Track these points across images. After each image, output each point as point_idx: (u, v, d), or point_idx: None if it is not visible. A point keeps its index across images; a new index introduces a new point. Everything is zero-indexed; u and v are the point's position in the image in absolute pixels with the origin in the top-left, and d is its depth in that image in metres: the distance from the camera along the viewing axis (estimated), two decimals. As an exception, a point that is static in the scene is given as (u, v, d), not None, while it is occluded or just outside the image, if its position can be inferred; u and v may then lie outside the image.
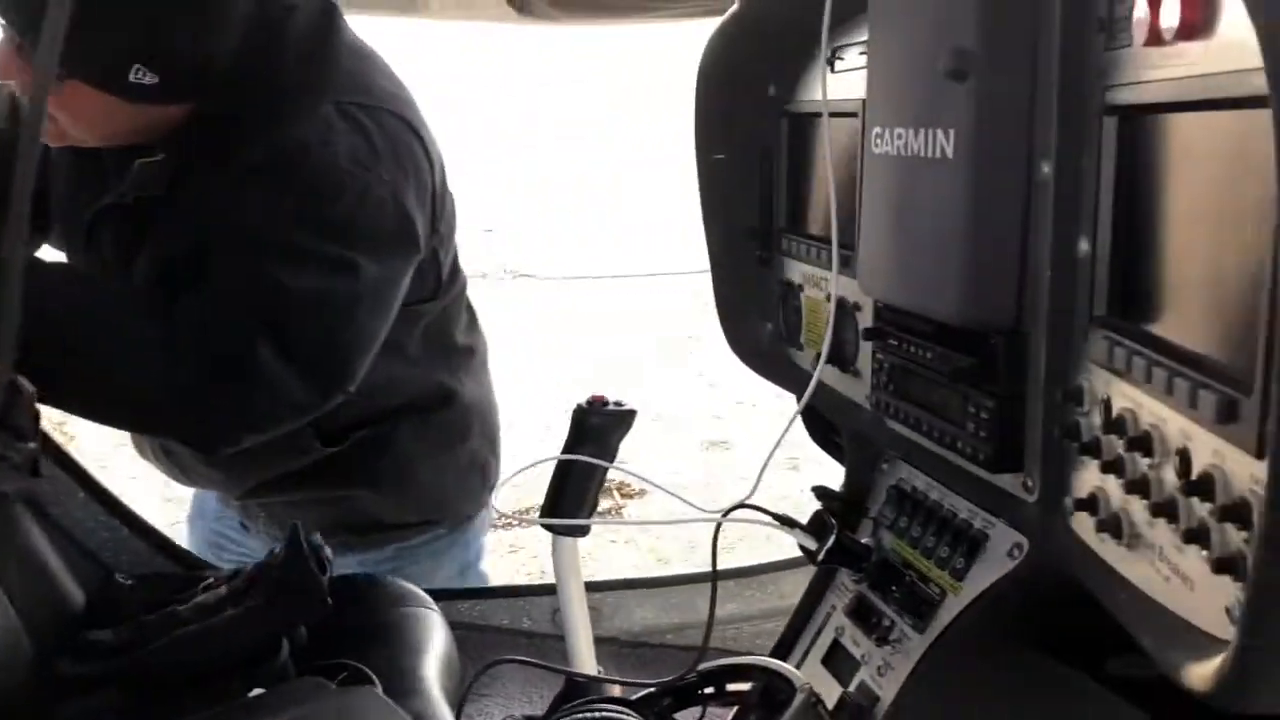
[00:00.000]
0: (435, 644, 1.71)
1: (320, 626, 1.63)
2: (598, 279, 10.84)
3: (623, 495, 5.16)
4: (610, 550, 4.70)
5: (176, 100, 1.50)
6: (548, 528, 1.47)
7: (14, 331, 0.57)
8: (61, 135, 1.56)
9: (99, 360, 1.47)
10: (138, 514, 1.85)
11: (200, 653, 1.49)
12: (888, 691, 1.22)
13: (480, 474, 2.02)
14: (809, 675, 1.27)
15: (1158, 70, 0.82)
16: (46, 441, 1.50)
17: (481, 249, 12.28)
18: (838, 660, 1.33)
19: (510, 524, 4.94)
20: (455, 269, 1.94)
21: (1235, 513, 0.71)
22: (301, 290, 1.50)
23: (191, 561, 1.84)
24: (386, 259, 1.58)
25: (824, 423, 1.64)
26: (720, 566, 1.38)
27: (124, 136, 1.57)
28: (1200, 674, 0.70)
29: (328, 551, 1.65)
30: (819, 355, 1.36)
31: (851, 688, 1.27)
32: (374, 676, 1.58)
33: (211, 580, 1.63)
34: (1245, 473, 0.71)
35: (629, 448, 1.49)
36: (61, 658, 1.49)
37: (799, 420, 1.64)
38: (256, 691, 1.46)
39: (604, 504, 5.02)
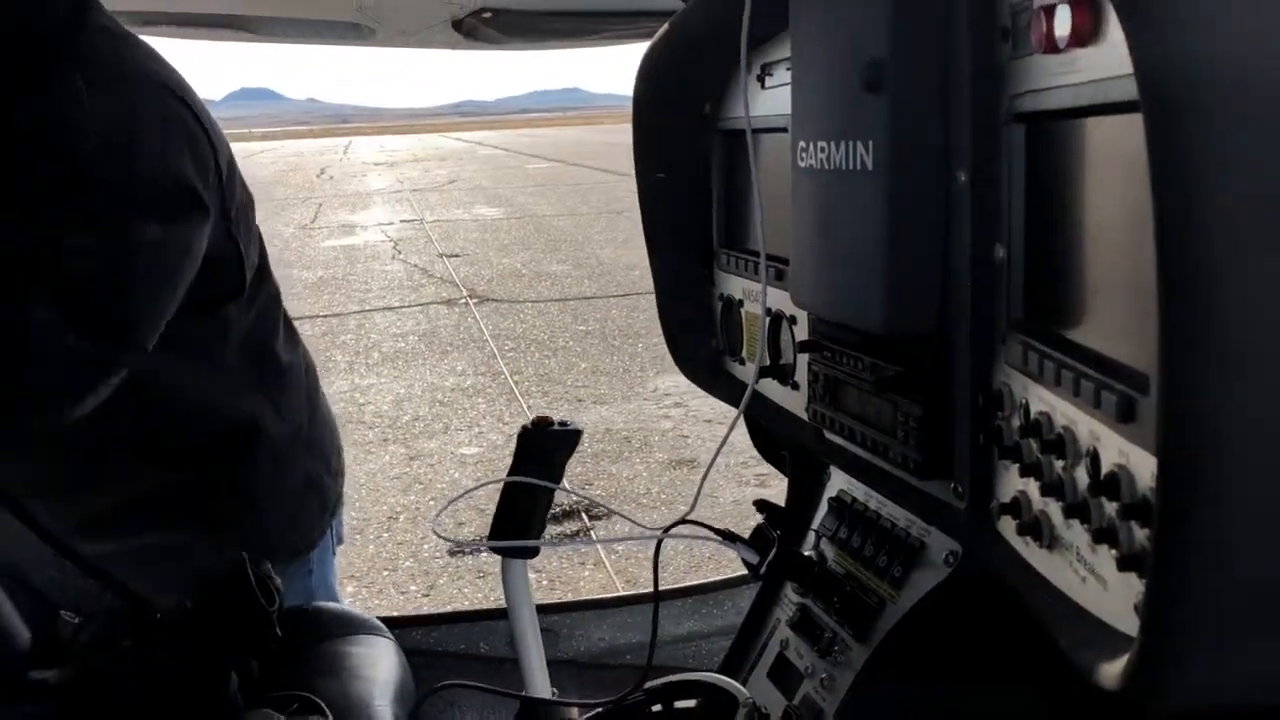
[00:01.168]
0: (387, 671, 1.70)
1: (272, 658, 1.61)
2: (563, 301, 10.86)
3: (590, 517, 5.15)
4: (579, 572, 4.69)
5: None
6: (495, 550, 1.46)
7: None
8: None
9: None
10: (83, 553, 1.82)
11: (150, 689, 1.47)
12: (830, 703, 1.22)
13: (319, 496, 1.99)
14: (755, 690, 1.28)
15: (1056, 77, 0.84)
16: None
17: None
18: (783, 674, 1.34)
19: (479, 550, 4.93)
20: (264, 272, 1.92)
21: (1138, 511, 0.72)
22: (74, 248, 1.49)
23: (139, 598, 1.81)
24: (165, 219, 1.56)
25: (769, 436, 1.64)
26: (680, 584, 1.38)
27: None
28: (1111, 672, 0.71)
29: (277, 581, 1.64)
30: (756, 368, 1.37)
31: (796, 701, 1.27)
32: (325, 707, 1.57)
33: (159, 615, 1.61)
34: (1146, 471, 0.71)
35: (594, 469, 1.49)
36: (7, 698, 1.47)
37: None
38: (204, 726, 1.45)
39: (571, 526, 5.01)
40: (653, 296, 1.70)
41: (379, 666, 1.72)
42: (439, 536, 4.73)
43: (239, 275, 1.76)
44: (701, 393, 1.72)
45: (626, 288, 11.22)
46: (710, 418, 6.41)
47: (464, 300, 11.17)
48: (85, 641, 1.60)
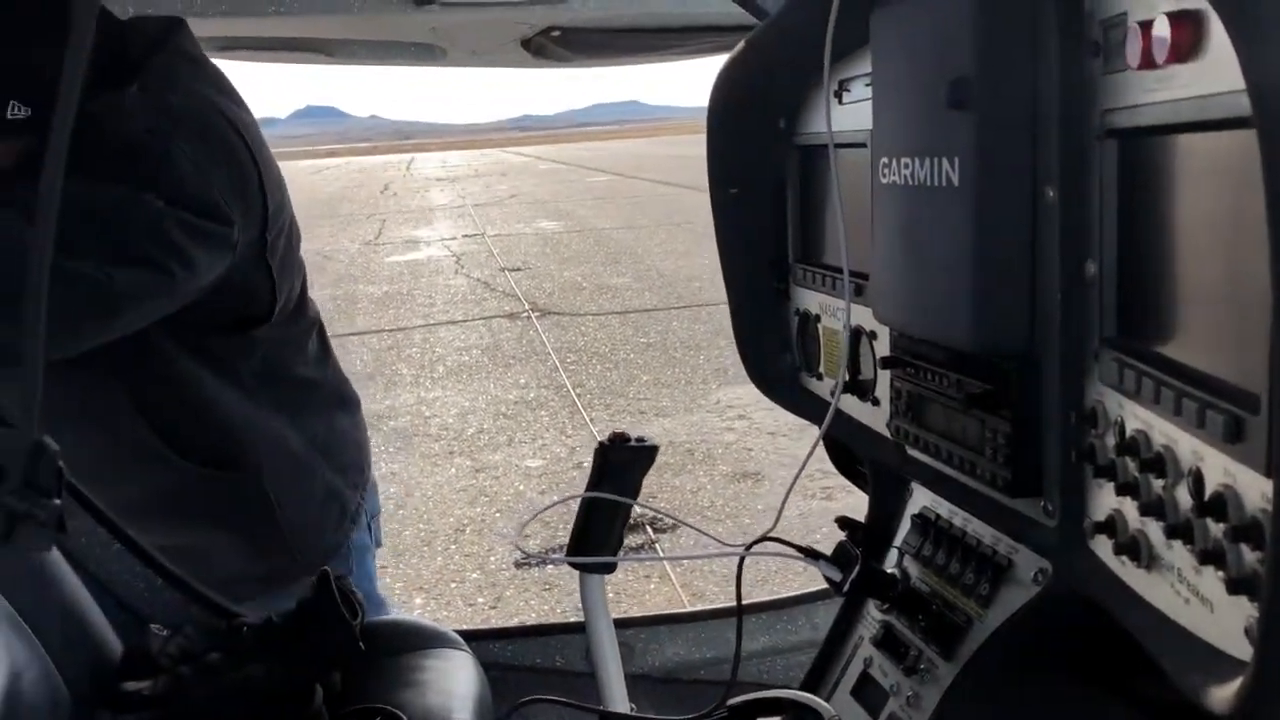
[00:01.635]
0: (466, 685, 1.71)
1: (353, 671, 1.64)
2: (624, 314, 10.89)
3: (655, 530, 5.15)
4: (645, 585, 4.69)
5: (44, 128, 1.53)
6: (574, 565, 1.47)
7: (38, 396, 0.59)
8: None
9: None
10: (171, 566, 1.87)
11: (237, 701, 1.50)
12: (917, 721, 1.21)
13: (339, 506, 2.03)
14: (839, 707, 1.27)
15: (1153, 93, 0.83)
16: (80, 497, 1.53)
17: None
18: (867, 692, 1.33)
19: (544, 562, 4.96)
20: (303, 303, 1.96)
21: (1248, 533, 0.71)
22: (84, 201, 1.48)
23: (226, 611, 1.85)
24: (177, 210, 1.57)
25: (847, 452, 1.64)
26: (760, 598, 1.38)
27: (3, 169, 1.58)
28: (1221, 696, 0.70)
29: (359, 595, 1.67)
30: (837, 385, 1.36)
31: (881, 719, 1.27)
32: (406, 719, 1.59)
33: (245, 629, 1.64)
34: (1256, 492, 0.70)
35: (658, 482, 1.50)
36: (100, 709, 1.51)
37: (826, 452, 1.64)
38: (291, 738, 1.48)
39: (636, 540, 5.01)
40: (714, 308, 1.72)
41: (457, 680, 1.74)
42: (522, 552, 4.76)
43: (269, 303, 1.82)
44: (765, 405, 1.72)
45: (687, 300, 11.22)
46: (774, 430, 6.39)
47: (526, 314, 11.25)
48: (174, 654, 1.64)
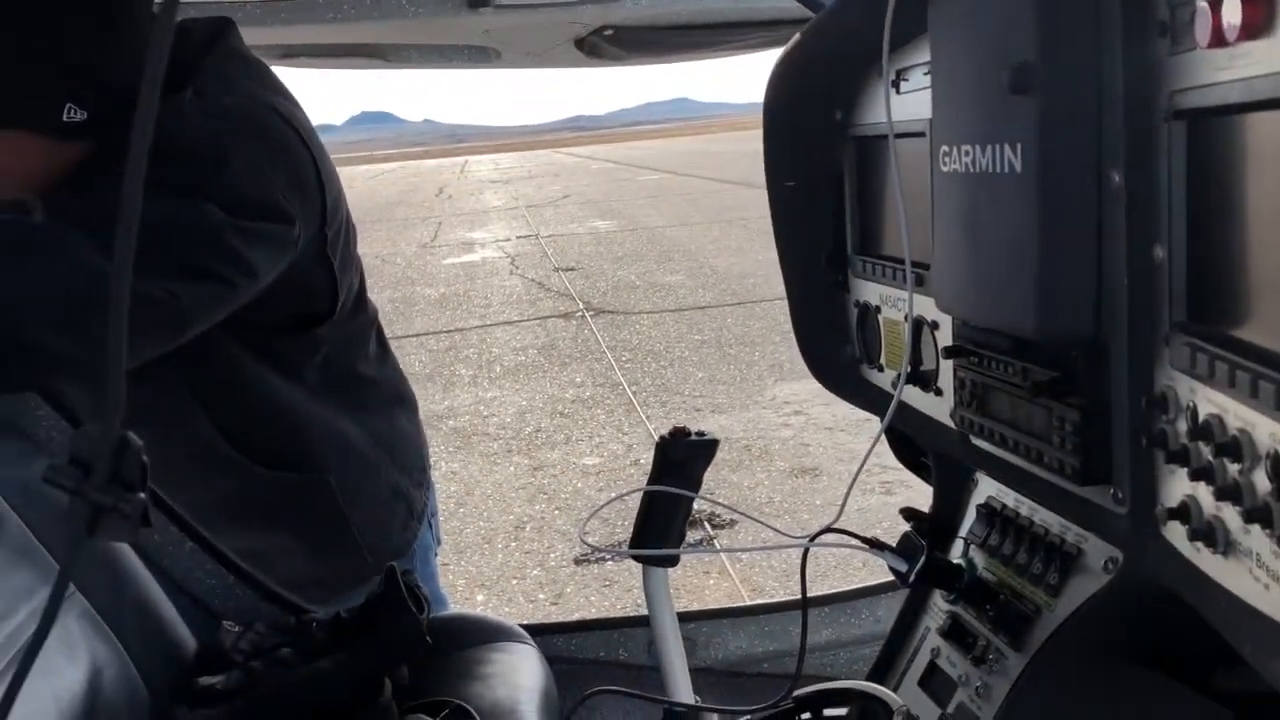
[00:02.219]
0: (532, 677, 1.73)
1: (420, 664, 1.66)
2: (678, 311, 10.89)
3: (713, 526, 5.15)
4: (704, 581, 4.69)
5: (104, 130, 1.53)
6: (637, 558, 1.48)
7: (122, 389, 0.61)
8: None
9: None
10: (239, 560, 1.91)
11: (308, 696, 1.53)
12: (986, 712, 1.20)
13: (405, 505, 2.03)
14: (906, 698, 1.26)
15: (1224, 71, 0.82)
16: (152, 494, 1.57)
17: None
18: (935, 682, 1.32)
19: (602, 558, 4.98)
20: (361, 299, 1.95)
21: (1329, 515, 0.70)
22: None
23: (294, 606, 1.89)
24: (239, 216, 1.54)
25: (909, 443, 1.63)
26: (815, 593, 1.37)
27: (57, 177, 1.59)
28: (1304, 681, 0.69)
29: (425, 590, 1.69)
30: (899, 376, 1.36)
31: (950, 709, 1.26)
32: (474, 712, 1.61)
33: (315, 624, 1.67)
34: (1337, 474, 0.69)
35: (715, 478, 1.50)
36: (177, 704, 1.55)
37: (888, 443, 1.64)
38: (363, 731, 1.50)
39: (694, 535, 5.02)
40: (769, 304, 1.72)
41: (523, 673, 1.75)
42: (586, 544, 4.78)
43: (331, 299, 1.81)
44: (822, 401, 1.73)
45: (741, 296, 11.20)
46: (831, 425, 6.36)
47: (580, 313, 11.29)
48: (246, 649, 1.67)
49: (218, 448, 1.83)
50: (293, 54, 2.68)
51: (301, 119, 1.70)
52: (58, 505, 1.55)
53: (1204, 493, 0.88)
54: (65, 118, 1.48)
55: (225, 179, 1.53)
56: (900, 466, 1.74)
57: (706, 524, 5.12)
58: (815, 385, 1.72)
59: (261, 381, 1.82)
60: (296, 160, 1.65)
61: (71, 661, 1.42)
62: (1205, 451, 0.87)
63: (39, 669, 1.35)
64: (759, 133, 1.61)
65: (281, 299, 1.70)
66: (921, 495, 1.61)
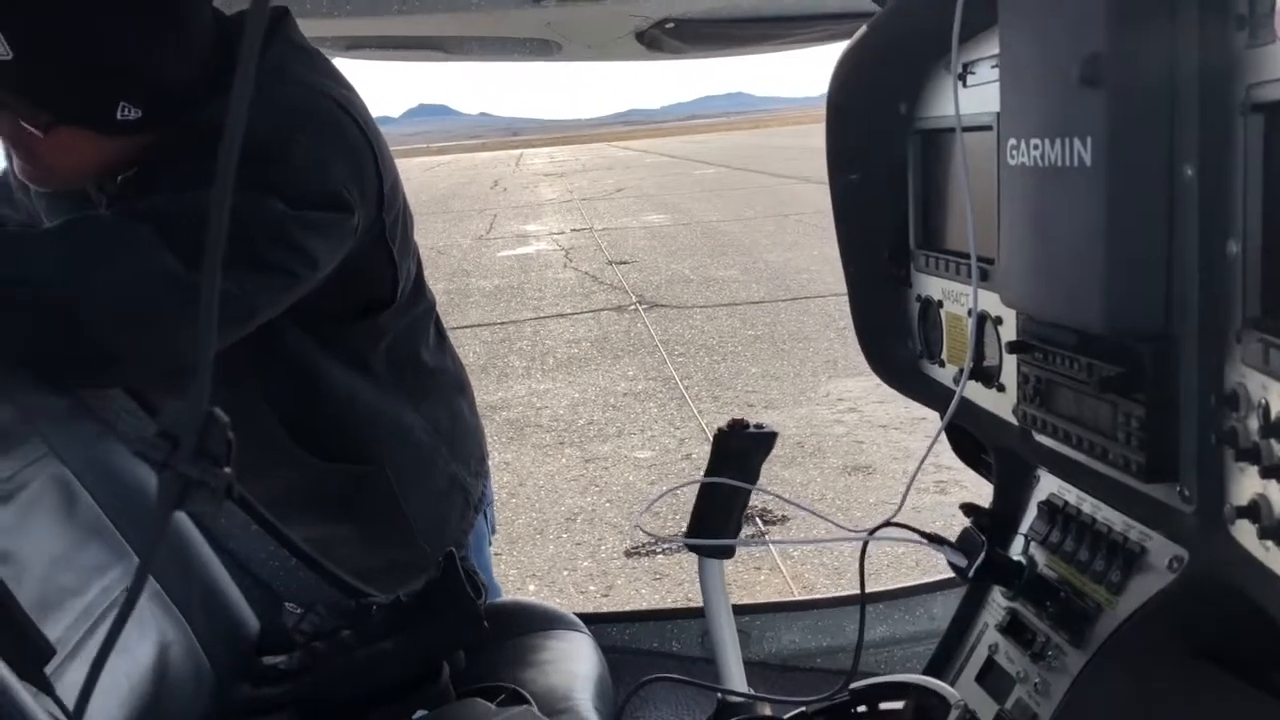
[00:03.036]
0: (587, 665, 1.75)
1: (477, 649, 1.68)
2: (732, 306, 10.87)
3: (765, 522, 5.15)
4: (755, 577, 4.69)
5: (159, 127, 1.55)
6: (693, 549, 1.49)
7: (209, 367, 0.63)
8: (49, 178, 1.64)
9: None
10: (303, 545, 1.94)
11: (369, 677, 1.56)
12: (1045, 709, 1.20)
13: (463, 495, 2.03)
14: (964, 693, 1.26)
15: (1304, 65, 0.81)
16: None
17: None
18: (993, 678, 1.32)
19: (653, 551, 4.99)
20: (420, 286, 1.95)
21: (1406, 514, 0.69)
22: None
23: (355, 590, 1.92)
24: (299, 207, 1.54)
25: (970, 440, 1.62)
26: (870, 589, 1.37)
27: (111, 170, 1.62)
28: (1377, 681, 0.68)
29: (482, 576, 1.72)
30: (961, 371, 1.35)
31: (1008, 705, 1.25)
32: (529, 697, 1.63)
33: (375, 607, 1.70)
34: None
35: (767, 475, 1.50)
36: (241, 682, 1.58)
37: (945, 442, 1.62)
38: (421, 713, 1.52)
39: (746, 530, 5.01)
40: (823, 300, 1.71)
41: (578, 660, 1.77)
42: (644, 532, 4.80)
43: (392, 286, 1.82)
44: (876, 398, 1.72)
45: (795, 292, 11.15)
46: (885, 423, 6.31)
47: (633, 306, 11.31)
48: (307, 631, 1.70)
49: (280, 441, 1.85)
50: (357, 45, 2.72)
51: (359, 106, 1.71)
52: (128, 485, 1.59)
53: (1275, 491, 0.87)
54: (119, 116, 1.50)
55: (287, 171, 1.53)
56: (955, 466, 1.73)
57: (758, 519, 5.12)
58: (870, 382, 1.72)
59: (327, 375, 1.84)
60: (355, 149, 1.65)
61: (142, 639, 1.46)
62: (1277, 449, 0.86)
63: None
64: (816, 127, 1.60)
65: (344, 286, 1.71)
66: (976, 496, 1.60)
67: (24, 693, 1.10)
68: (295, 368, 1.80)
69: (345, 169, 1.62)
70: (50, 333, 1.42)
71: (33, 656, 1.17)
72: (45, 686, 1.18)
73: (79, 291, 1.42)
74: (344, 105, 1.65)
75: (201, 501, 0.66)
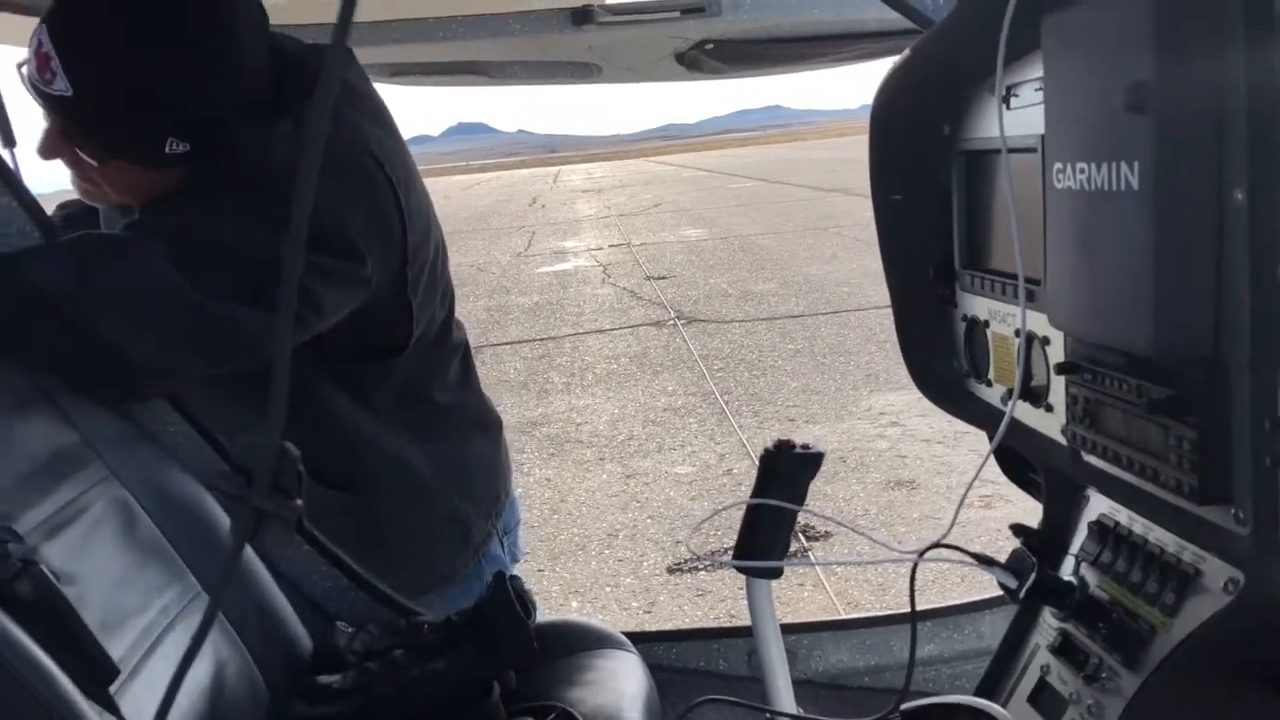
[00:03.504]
0: (635, 684, 1.76)
1: (526, 668, 1.70)
2: (771, 320, 10.85)
3: (808, 538, 5.13)
4: (799, 594, 4.67)
5: (207, 157, 1.58)
6: (741, 570, 1.49)
7: (283, 403, 0.65)
8: (106, 200, 1.69)
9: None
10: (354, 565, 1.97)
11: (421, 696, 1.58)
12: (1099, 731, 1.19)
13: (463, 533, 2.00)
14: (1015, 715, 1.26)
15: (1354, 90, 0.81)
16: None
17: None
18: (1046, 699, 1.31)
19: (695, 568, 5.00)
20: (446, 328, 1.94)
21: None
22: (209, 233, 1.50)
23: (406, 610, 1.95)
24: (308, 250, 1.55)
25: (1017, 459, 1.62)
26: (927, 607, 1.37)
27: (161, 193, 1.64)
28: None
29: (531, 596, 1.73)
30: (1009, 391, 1.35)
31: (1061, 728, 1.25)
32: (579, 717, 1.64)
33: (426, 627, 1.73)
34: None
35: (809, 490, 1.50)
36: (294, 700, 1.61)
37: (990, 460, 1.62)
38: (473, 732, 1.55)
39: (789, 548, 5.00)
40: (864, 313, 1.71)
41: (627, 679, 1.78)
42: (691, 552, 4.80)
43: (407, 334, 1.81)
44: (919, 412, 1.72)
45: (835, 305, 11.12)
46: (928, 437, 6.28)
47: (672, 321, 11.33)
48: (359, 650, 1.73)
49: None
50: (402, 72, 2.77)
51: (396, 158, 1.70)
52: (186, 508, 1.63)
53: (1331, 514, 0.87)
54: (168, 150, 1.54)
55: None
56: (1000, 480, 1.73)
57: (802, 535, 5.11)
58: (912, 396, 1.72)
59: (327, 403, 1.83)
60: (379, 201, 1.65)
61: (199, 659, 1.49)
62: (1332, 473, 0.86)
63: (172, 662, 1.42)
64: (853, 140, 1.62)
65: (355, 330, 1.71)
66: (1022, 510, 1.60)
67: (90, 712, 1.13)
68: (296, 391, 1.78)
69: (365, 219, 1.62)
70: (60, 333, 1.46)
71: (98, 676, 1.20)
72: (110, 706, 1.21)
73: (83, 292, 1.46)
74: (379, 158, 1.65)
75: (273, 532, 0.68)
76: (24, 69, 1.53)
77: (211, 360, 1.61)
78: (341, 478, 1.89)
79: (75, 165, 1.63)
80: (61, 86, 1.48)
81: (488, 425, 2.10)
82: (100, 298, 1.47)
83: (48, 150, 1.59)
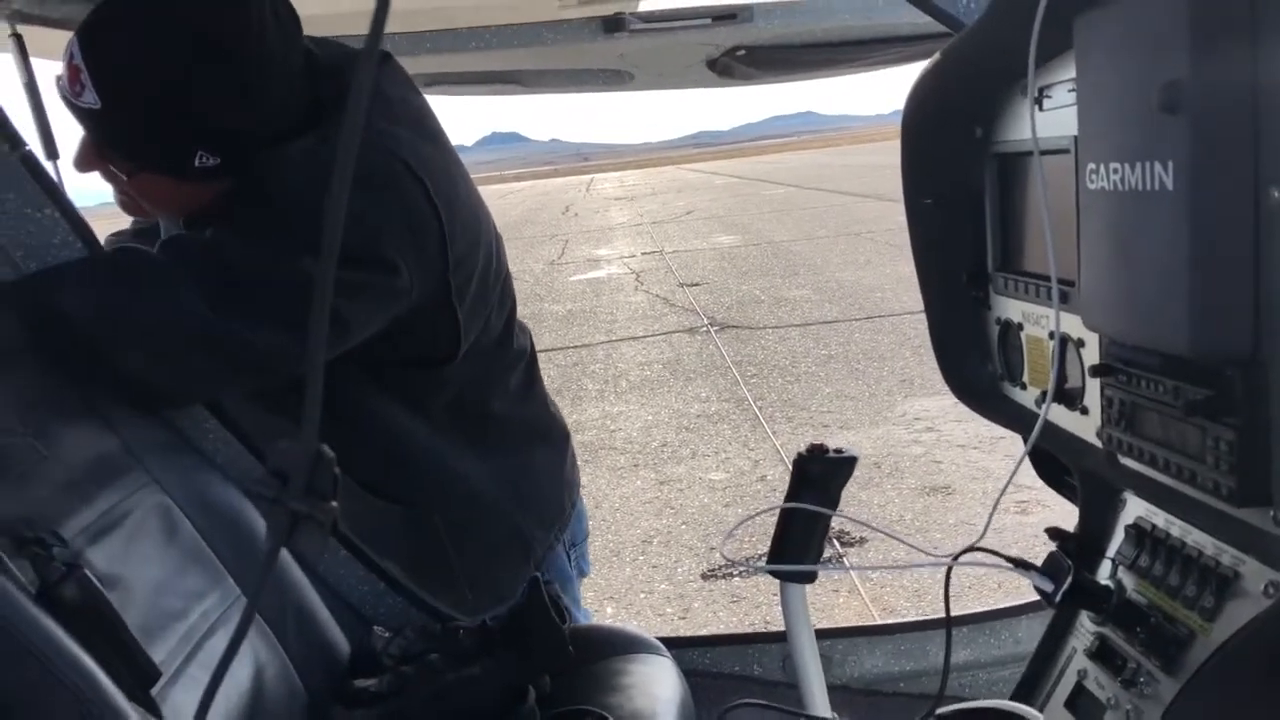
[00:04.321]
0: (670, 689, 1.76)
1: (561, 673, 1.71)
2: (804, 326, 10.82)
3: (842, 544, 5.11)
4: (833, 600, 4.65)
5: (237, 170, 1.59)
6: (775, 574, 1.49)
7: (318, 407, 0.66)
8: (141, 212, 1.71)
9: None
10: (390, 570, 1.99)
11: (458, 700, 1.59)
12: (1138, 736, 1.18)
13: (523, 547, 1.98)
14: (1052, 719, 1.25)
15: (1390, 87, 0.80)
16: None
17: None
18: (1083, 704, 1.30)
19: (730, 574, 4.98)
20: (506, 337, 1.92)
21: None
22: (241, 263, 1.51)
23: (442, 615, 1.96)
24: (349, 272, 1.51)
25: (1053, 462, 1.61)
26: (962, 612, 1.37)
27: (195, 207, 1.66)
28: None
29: (565, 601, 1.74)
30: (1044, 394, 1.35)
31: (1099, 732, 1.24)
32: (614, 721, 1.65)
33: (462, 632, 1.74)
34: None
35: (844, 495, 1.50)
36: (332, 704, 1.62)
37: (1026, 463, 1.61)
38: (509, 735, 1.55)
39: (824, 552, 4.98)
40: (898, 319, 1.70)
41: (661, 684, 1.79)
42: (725, 557, 4.79)
43: (454, 341, 1.77)
44: (954, 417, 1.71)
45: (869, 311, 11.07)
46: (964, 443, 6.24)
47: (705, 328, 11.32)
48: (396, 654, 1.74)
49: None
50: (436, 82, 2.79)
51: (434, 164, 1.67)
52: (226, 514, 1.65)
53: (1372, 516, 0.86)
54: (196, 163, 1.56)
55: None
56: (1036, 485, 1.72)
57: (836, 541, 5.08)
58: (947, 401, 1.72)
59: (381, 414, 1.82)
60: (414, 212, 1.62)
61: (239, 661, 1.51)
62: (1373, 474, 0.85)
63: (211, 667, 1.44)
64: (886, 145, 1.61)
65: (400, 340, 1.70)
66: (1059, 515, 1.59)
67: (133, 713, 1.15)
68: (348, 401, 1.77)
69: (397, 231, 1.59)
70: (91, 361, 1.50)
71: (140, 678, 1.22)
72: (152, 708, 1.23)
73: (106, 329, 1.50)
74: (417, 170, 1.62)
75: (309, 535, 0.69)
76: (59, 81, 1.56)
77: (236, 383, 1.64)
78: (398, 490, 1.89)
79: (110, 178, 1.65)
80: (90, 99, 1.51)
81: (552, 435, 2.08)
82: (122, 329, 1.50)
83: (82, 163, 1.62)
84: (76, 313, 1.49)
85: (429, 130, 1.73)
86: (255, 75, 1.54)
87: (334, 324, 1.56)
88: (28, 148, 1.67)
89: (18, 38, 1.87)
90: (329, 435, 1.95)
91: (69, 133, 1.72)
